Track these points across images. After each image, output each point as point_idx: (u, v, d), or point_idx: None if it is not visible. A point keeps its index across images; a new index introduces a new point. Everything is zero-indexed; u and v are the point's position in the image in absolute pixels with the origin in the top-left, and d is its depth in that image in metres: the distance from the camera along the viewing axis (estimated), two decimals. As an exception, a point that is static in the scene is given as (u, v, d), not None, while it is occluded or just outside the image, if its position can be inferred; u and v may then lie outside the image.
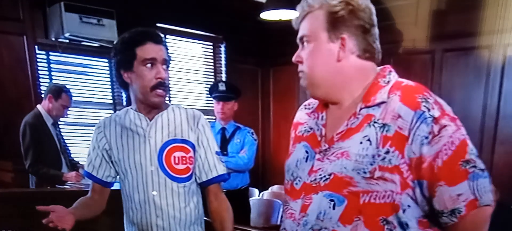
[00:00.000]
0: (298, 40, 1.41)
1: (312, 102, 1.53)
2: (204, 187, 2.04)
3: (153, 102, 1.91)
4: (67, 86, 4.03)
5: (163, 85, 1.88)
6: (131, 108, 1.99)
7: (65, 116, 4.01)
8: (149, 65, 1.86)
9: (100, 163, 2.03)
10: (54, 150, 3.89)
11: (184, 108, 2.04)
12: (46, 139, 3.82)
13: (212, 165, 2.00)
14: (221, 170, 2.02)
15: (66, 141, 4.14)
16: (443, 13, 4.47)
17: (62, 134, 4.11)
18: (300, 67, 1.40)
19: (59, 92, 3.87)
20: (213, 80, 5.68)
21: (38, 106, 3.91)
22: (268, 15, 4.21)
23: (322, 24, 1.34)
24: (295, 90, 5.60)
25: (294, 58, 1.42)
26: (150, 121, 1.96)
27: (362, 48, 1.34)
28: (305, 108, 1.56)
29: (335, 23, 1.33)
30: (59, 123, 4.01)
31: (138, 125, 1.96)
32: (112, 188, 2.11)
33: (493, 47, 4.25)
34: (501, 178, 4.01)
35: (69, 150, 4.15)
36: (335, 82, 1.37)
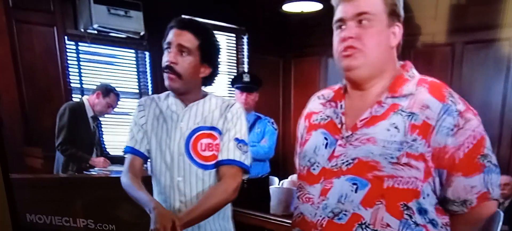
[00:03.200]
0: (348, 16, 1.36)
1: (325, 93, 1.59)
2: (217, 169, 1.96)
3: (167, 86, 1.92)
4: (94, 75, 4.16)
5: (168, 68, 1.86)
6: (172, 93, 1.99)
7: (110, 113, 4.16)
8: (167, 49, 1.88)
9: (142, 137, 2.00)
10: (88, 140, 4.00)
11: (221, 98, 2.01)
12: (83, 126, 3.93)
13: (225, 148, 1.92)
14: (235, 156, 1.92)
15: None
16: (463, 6, 4.45)
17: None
18: (352, 43, 1.36)
19: (109, 91, 4.05)
20: (235, 71, 5.75)
21: (83, 98, 4.07)
22: (290, 7, 4.26)
23: (382, 6, 1.35)
24: (316, 81, 5.62)
25: (347, 34, 1.36)
26: (185, 107, 1.96)
27: (398, 40, 1.41)
28: (318, 98, 1.61)
29: (392, 9, 1.37)
30: (99, 117, 4.12)
31: (173, 111, 1.97)
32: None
33: (513, 39, 4.22)
34: (521, 171, 4.00)
35: (105, 145, 4.25)
36: (382, 67, 1.40)
